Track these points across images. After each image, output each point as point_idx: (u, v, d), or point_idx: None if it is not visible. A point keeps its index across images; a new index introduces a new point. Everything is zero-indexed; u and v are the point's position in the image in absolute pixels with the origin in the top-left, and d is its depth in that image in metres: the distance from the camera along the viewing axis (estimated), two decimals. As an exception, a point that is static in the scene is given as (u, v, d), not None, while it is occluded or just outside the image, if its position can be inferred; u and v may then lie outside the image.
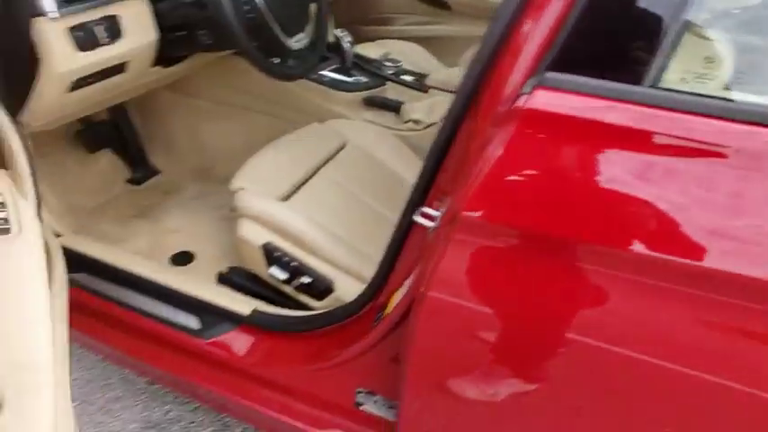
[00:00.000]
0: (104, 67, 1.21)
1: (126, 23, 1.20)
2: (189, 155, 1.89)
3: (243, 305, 1.22)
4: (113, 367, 1.61)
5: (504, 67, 0.68)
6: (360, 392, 1.04)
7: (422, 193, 0.82)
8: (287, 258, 1.24)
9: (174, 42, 1.32)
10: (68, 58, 1.12)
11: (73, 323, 1.34)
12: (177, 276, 1.32)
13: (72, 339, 1.50)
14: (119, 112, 1.79)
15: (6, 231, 0.84)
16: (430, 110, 1.58)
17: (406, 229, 0.87)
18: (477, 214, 0.63)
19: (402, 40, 2.08)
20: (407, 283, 0.87)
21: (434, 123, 1.56)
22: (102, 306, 1.33)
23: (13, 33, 1.09)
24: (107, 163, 1.83)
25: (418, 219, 0.80)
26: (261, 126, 1.79)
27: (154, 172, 1.88)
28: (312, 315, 1.16)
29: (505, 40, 0.68)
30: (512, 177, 0.61)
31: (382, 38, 2.14)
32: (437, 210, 0.77)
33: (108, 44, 1.18)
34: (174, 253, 1.53)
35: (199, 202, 1.75)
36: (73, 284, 1.32)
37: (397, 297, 0.90)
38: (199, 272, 1.46)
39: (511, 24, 0.67)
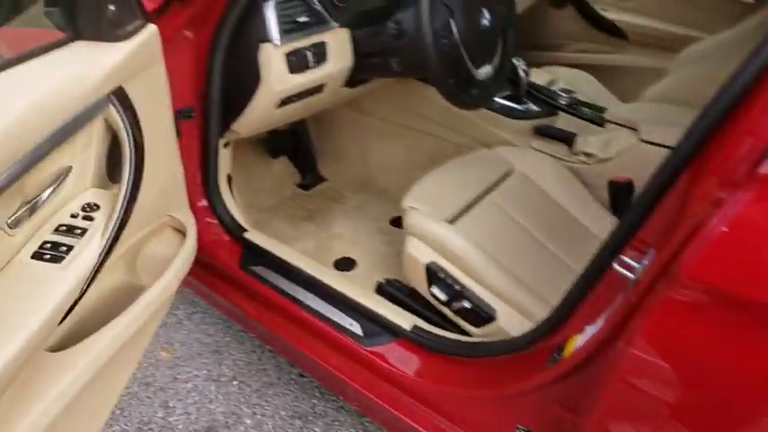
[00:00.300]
0: (308, 87, 1.34)
1: (330, 49, 1.33)
2: (355, 166, 2.01)
3: (403, 319, 1.28)
4: (269, 354, 1.76)
5: (742, 125, 0.65)
6: (519, 429, 1.04)
7: (622, 241, 0.81)
8: (450, 280, 1.27)
9: (366, 67, 1.43)
10: (283, 79, 1.26)
11: (244, 308, 1.51)
12: (341, 280, 1.41)
13: (239, 321, 1.68)
14: (298, 124, 1.96)
15: (58, 259, 0.91)
16: (605, 145, 1.54)
17: (597, 274, 0.87)
18: (703, 277, 0.61)
19: (571, 68, 2.05)
20: (590, 330, 0.87)
21: (609, 159, 1.52)
22: (273, 297, 1.46)
23: (243, 55, 1.25)
24: (282, 168, 2.00)
25: (617, 267, 0.79)
26: (424, 145, 1.86)
27: (321, 179, 2.03)
28: (475, 342, 1.18)
29: (748, 96, 0.65)
30: (748, 244, 0.59)
31: (550, 63, 2.12)
32: (638, 261, 0.76)
33: (314, 68, 1.31)
34: (337, 258, 1.64)
35: (360, 211, 1.86)
36: (251, 275, 1.47)
37: (577, 341, 0.89)
38: (360, 279, 1.55)
39: (757, 80, 0.65)
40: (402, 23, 1.31)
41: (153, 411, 1.58)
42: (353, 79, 1.49)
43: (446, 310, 1.31)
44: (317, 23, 1.33)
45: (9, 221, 0.88)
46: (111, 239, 0.99)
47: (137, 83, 1.04)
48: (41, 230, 0.95)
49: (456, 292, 1.27)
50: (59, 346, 0.97)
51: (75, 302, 0.96)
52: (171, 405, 1.60)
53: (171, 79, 1.28)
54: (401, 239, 1.48)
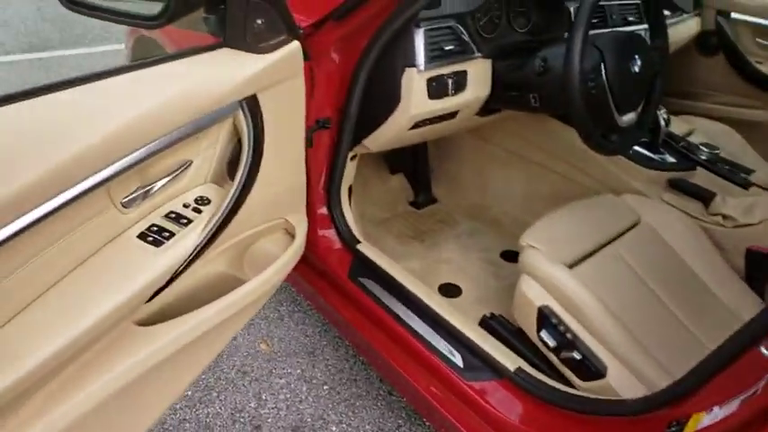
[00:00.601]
0: (442, 113, 1.35)
1: (471, 78, 1.34)
2: (469, 192, 2.01)
3: (507, 359, 1.25)
4: (361, 365, 1.78)
5: None
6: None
7: None
8: (562, 327, 1.23)
9: (502, 99, 1.42)
10: (420, 104, 1.29)
11: (346, 316, 1.54)
12: (446, 307, 1.40)
13: (338, 327, 1.72)
14: (419, 144, 1.99)
15: (159, 243, 0.97)
16: (748, 209, 1.43)
17: (737, 353, 0.80)
18: None
19: (714, 120, 1.92)
20: (720, 412, 0.80)
21: (750, 225, 1.41)
22: (376, 310, 1.48)
23: (386, 76, 1.30)
24: (398, 184, 2.04)
25: (765, 351, 0.73)
26: (547, 182, 1.82)
27: (433, 200, 2.04)
28: (585, 397, 1.13)
29: None
30: None
31: (689, 113, 2.00)
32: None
33: (453, 95, 1.33)
34: (442, 283, 1.64)
35: (471, 238, 1.85)
36: (358, 285, 1.51)
37: (703, 420, 0.83)
38: (464, 308, 1.54)
39: None
40: (548, 60, 1.30)
41: (246, 400, 1.65)
42: (486, 108, 1.49)
43: (552, 357, 1.27)
44: (462, 52, 1.35)
45: (123, 201, 0.96)
46: (210, 234, 1.05)
47: (272, 93, 1.11)
48: (153, 214, 1.02)
49: (567, 341, 1.22)
50: (147, 322, 1.03)
51: (167, 285, 1.02)
52: (263, 398, 1.66)
53: (316, 90, 1.36)
54: (511, 274, 1.45)
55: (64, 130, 0.81)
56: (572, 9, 1.53)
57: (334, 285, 1.56)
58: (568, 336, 1.22)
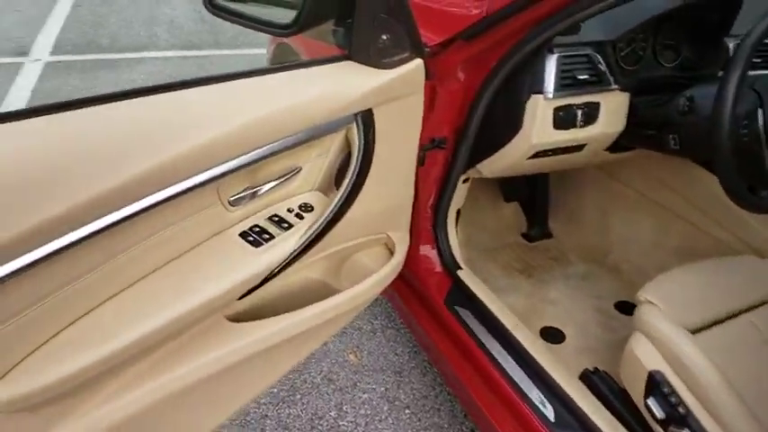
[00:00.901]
0: (567, 145, 1.26)
1: (603, 111, 1.24)
2: (588, 231, 1.87)
3: (606, 423, 1.13)
4: (446, 395, 1.72)
5: None
6: None
7: None
8: (674, 399, 1.08)
9: (637, 137, 1.30)
10: (544, 133, 1.21)
11: (437, 342, 1.49)
12: (546, 354, 1.30)
13: (428, 352, 1.67)
14: (539, 173, 1.88)
15: (258, 244, 0.97)
16: None
17: None
18: None
19: None
20: None
21: None
22: (468, 343, 1.41)
23: (510, 101, 1.24)
24: (511, 213, 1.95)
25: None
26: (676, 230, 1.64)
27: (548, 235, 1.93)
28: None
29: None
30: None
31: None
32: None
33: (581, 127, 1.23)
34: (545, 325, 1.53)
35: (584, 281, 1.71)
36: (453, 313, 1.45)
37: None
38: (564, 357, 1.42)
39: None
40: (695, 99, 1.17)
41: (327, 408, 1.66)
42: (618, 145, 1.38)
43: (658, 429, 1.13)
44: (597, 83, 1.25)
45: (231, 199, 0.99)
46: (308, 241, 1.05)
47: (388, 109, 1.10)
48: (257, 215, 1.05)
49: (678, 415, 1.07)
50: (237, 318, 1.05)
51: (261, 284, 1.04)
52: (344, 409, 1.65)
53: (436, 108, 1.33)
54: (623, 328, 1.32)
55: (184, 125, 0.85)
56: (731, 45, 1.37)
57: (429, 309, 1.52)
58: (680, 409, 1.07)
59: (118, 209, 0.78)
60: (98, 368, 0.81)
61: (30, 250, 0.70)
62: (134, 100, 0.85)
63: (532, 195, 1.92)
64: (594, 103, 1.23)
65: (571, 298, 1.63)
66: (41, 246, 0.71)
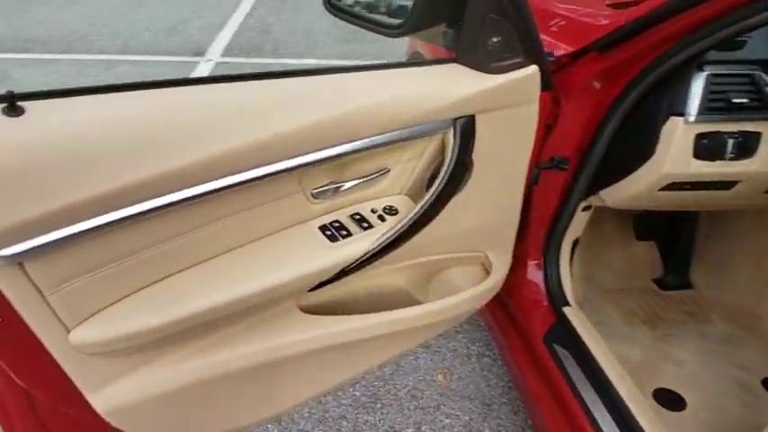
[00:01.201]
0: (711, 180, 1.06)
1: (764, 144, 1.02)
2: (738, 288, 1.58)
3: None
4: (532, 437, 1.56)
5: None
6: None
7: None
8: None
9: (810, 180, 1.05)
10: (679, 162, 1.03)
11: (530, 381, 1.34)
12: (655, 422, 1.10)
13: (520, 390, 1.52)
14: (686, 212, 1.63)
15: (334, 239, 0.95)
16: None
17: None
18: None
19: None
20: None
21: None
22: (562, 389, 1.25)
23: (643, 121, 1.07)
24: (644, 253, 1.72)
25: None
26: None
27: (687, 285, 1.66)
28: None
29: None
30: None
31: None
32: None
33: (731, 160, 1.03)
34: (661, 387, 1.31)
35: (722, 346, 1.45)
36: (551, 352, 1.29)
37: None
38: (679, 428, 1.20)
39: None
40: None
41: (405, 425, 1.58)
42: None
43: None
44: (759, 109, 1.03)
45: (314, 191, 0.97)
46: (384, 244, 1.00)
47: (494, 117, 1.00)
48: (339, 211, 1.02)
49: None
50: (310, 311, 1.04)
51: (335, 279, 1.01)
52: (422, 429, 1.57)
53: (559, 125, 1.20)
54: (766, 408, 1.08)
55: (281, 111, 0.85)
56: None
57: (526, 343, 1.38)
58: None
59: (206, 182, 0.79)
60: (170, 329, 0.83)
61: (130, 204, 0.74)
62: (240, 83, 0.87)
63: (674, 236, 1.67)
64: (754, 133, 1.02)
65: (703, 362, 1.38)
66: (140, 202, 0.75)
